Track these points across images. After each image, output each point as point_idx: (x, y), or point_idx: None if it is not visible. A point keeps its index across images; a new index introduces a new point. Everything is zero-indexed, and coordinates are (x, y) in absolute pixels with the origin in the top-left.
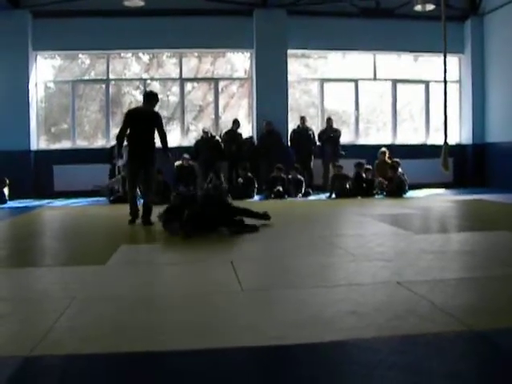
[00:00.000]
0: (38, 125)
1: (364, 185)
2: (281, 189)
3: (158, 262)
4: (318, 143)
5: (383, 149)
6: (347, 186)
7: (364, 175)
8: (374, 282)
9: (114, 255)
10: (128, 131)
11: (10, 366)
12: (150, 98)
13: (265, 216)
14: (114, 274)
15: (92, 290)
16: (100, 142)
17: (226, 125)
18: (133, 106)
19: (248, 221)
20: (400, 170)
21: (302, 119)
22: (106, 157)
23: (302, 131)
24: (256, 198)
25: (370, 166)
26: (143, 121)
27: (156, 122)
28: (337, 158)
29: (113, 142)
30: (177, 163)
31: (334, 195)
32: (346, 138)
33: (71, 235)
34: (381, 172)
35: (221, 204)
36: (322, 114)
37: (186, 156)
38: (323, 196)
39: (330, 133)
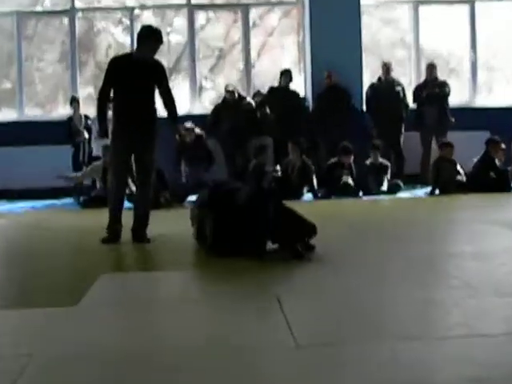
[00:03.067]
0: None
1: (493, 174)
2: (349, 180)
3: (162, 300)
4: (411, 106)
5: None
6: (458, 175)
7: (497, 160)
8: (508, 332)
9: (90, 290)
10: (112, 92)
11: None
12: (148, 37)
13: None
14: (91, 319)
15: (57, 345)
16: (62, 111)
17: (261, 79)
18: (118, 52)
19: None
20: None
21: (386, 67)
22: (66, 133)
23: (386, 87)
24: (307, 196)
25: (503, 146)
26: (137, 75)
27: (158, 77)
28: (444, 131)
29: (87, 110)
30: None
31: (438, 191)
32: (455, 98)
33: (24, 259)
34: None
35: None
36: (416, 59)
37: (189, 125)
38: (421, 192)
39: (433, 89)
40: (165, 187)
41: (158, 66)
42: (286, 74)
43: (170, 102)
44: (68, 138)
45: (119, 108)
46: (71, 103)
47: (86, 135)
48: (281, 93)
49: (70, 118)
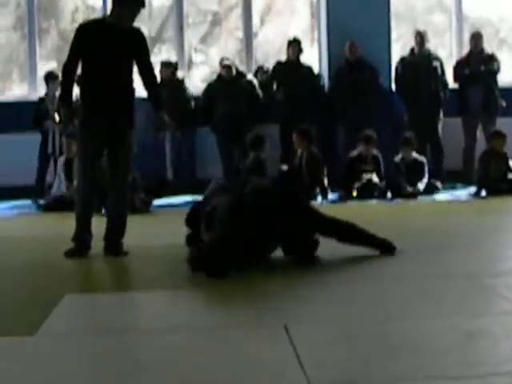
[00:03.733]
0: None
1: None
2: (374, 178)
3: (142, 328)
4: (451, 85)
5: None
6: (511, 173)
7: None
8: None
9: (51, 315)
10: (81, 65)
11: None
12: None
13: (386, 246)
14: (52, 353)
15: None
16: (18, 90)
17: (265, 51)
18: (87, 17)
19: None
20: None
21: (419, 37)
22: (31, 118)
23: (420, 61)
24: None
25: None
26: (111, 47)
27: (137, 49)
28: (492, 116)
29: (42, 92)
30: None
31: (484, 191)
32: (506, 76)
33: None
34: None
35: (296, 209)
36: (458, 27)
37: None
38: (463, 193)
39: (479, 64)
40: (136, 190)
41: (138, 36)
42: (294, 45)
43: (151, 82)
44: (35, 124)
45: (88, 87)
46: (46, 80)
47: (57, 119)
48: (290, 69)
49: (41, 99)
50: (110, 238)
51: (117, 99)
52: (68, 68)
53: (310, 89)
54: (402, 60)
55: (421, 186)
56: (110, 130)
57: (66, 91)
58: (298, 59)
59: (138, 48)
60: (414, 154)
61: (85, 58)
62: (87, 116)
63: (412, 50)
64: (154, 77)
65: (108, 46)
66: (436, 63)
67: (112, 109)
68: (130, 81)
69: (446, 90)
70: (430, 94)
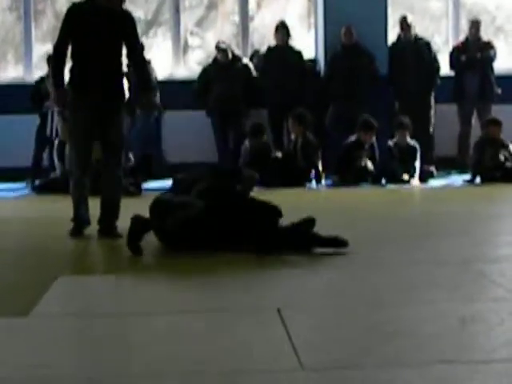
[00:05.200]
0: None
1: None
2: (368, 164)
3: (135, 311)
4: (447, 72)
5: None
6: (507, 161)
7: None
8: None
9: (44, 297)
10: (71, 47)
11: None
12: None
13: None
14: (45, 335)
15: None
16: (13, 72)
17: (261, 35)
18: None
19: None
20: None
21: (405, 23)
22: (30, 99)
23: (407, 47)
24: (316, 184)
25: None
26: (100, 28)
27: (126, 31)
28: (487, 104)
29: (40, 72)
30: None
31: (479, 178)
32: (502, 64)
33: None
34: None
35: (235, 201)
36: (455, 14)
37: None
38: (459, 180)
39: (476, 51)
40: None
41: (127, 18)
42: (281, 29)
43: (139, 65)
44: (33, 104)
45: (77, 69)
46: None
47: None
48: (279, 53)
49: (41, 80)
50: (104, 220)
51: (106, 81)
52: (58, 50)
53: (299, 74)
54: (394, 45)
55: (412, 176)
56: (99, 112)
57: (58, 73)
58: (286, 44)
59: (128, 31)
60: (409, 140)
61: (74, 40)
62: (76, 98)
63: (399, 36)
64: (143, 59)
65: (97, 28)
66: (424, 48)
67: (101, 91)
68: (119, 63)
69: (437, 76)
70: (419, 80)
